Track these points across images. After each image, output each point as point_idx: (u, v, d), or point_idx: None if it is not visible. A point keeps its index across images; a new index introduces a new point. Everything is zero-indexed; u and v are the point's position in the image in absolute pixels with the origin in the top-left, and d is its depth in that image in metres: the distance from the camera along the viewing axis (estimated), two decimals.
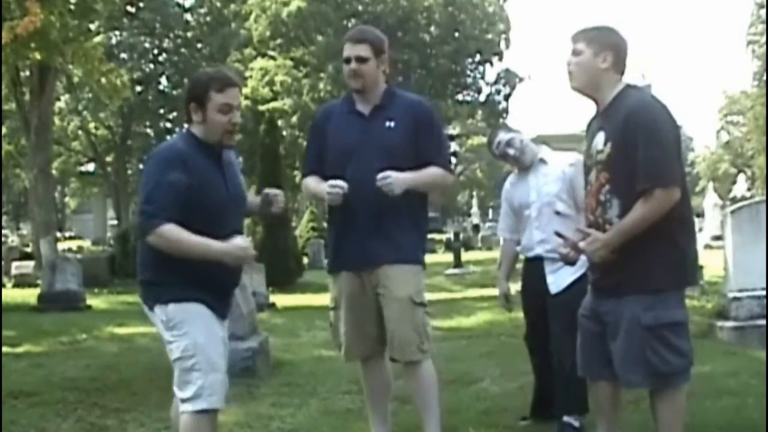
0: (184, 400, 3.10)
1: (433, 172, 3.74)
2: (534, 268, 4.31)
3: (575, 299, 4.05)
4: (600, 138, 3.21)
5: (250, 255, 3.10)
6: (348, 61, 3.73)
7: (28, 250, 21.45)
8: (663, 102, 3.22)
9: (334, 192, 3.64)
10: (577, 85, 3.28)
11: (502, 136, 4.36)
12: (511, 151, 4.31)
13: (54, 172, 26.71)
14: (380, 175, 3.58)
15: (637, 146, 3.06)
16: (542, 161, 4.31)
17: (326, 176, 3.76)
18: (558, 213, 4.19)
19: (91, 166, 39.27)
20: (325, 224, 27.27)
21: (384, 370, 3.95)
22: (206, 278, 3.13)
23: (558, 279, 4.20)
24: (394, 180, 3.58)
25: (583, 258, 4.09)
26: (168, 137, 35.55)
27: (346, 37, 3.81)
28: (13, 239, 31.65)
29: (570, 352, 3.99)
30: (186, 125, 3.29)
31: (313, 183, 3.85)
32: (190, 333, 3.09)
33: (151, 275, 3.17)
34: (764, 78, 35.80)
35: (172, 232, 2.99)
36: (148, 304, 3.22)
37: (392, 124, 3.72)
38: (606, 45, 3.22)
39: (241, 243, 3.07)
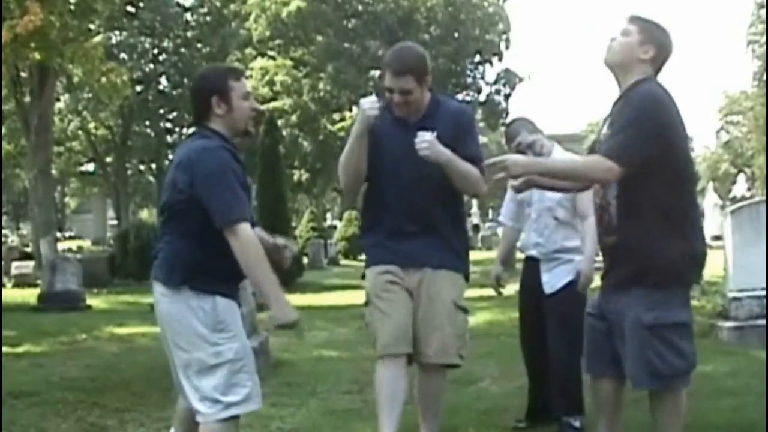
0: (231, 404, 3.00)
1: (471, 167, 3.62)
2: (530, 268, 4.32)
3: (569, 300, 4.07)
4: (608, 122, 3.26)
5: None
6: (391, 91, 3.59)
7: (28, 250, 21.42)
8: (670, 97, 3.19)
9: (375, 108, 3.55)
10: (610, 60, 3.28)
11: (525, 136, 4.20)
12: (530, 155, 4.14)
13: (54, 172, 26.69)
14: (418, 140, 3.49)
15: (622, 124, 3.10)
16: None
17: (368, 181, 3.75)
18: (557, 219, 4.18)
19: (91, 166, 39.27)
20: (325, 224, 27.27)
21: (404, 375, 3.71)
22: (234, 272, 3.08)
23: (553, 279, 4.20)
24: (431, 145, 3.49)
25: (578, 259, 4.10)
26: (168, 137, 35.75)
27: (387, 62, 3.60)
28: (13, 239, 31.62)
29: (564, 353, 4.00)
30: (191, 126, 3.28)
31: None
32: (239, 335, 3.05)
33: (202, 259, 3.02)
34: (764, 78, 35.78)
35: (252, 235, 2.98)
36: (191, 284, 3.00)
37: (434, 134, 3.60)
38: (654, 39, 3.24)
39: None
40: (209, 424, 3.01)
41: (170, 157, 36.01)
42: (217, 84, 3.12)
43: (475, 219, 39.14)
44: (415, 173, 3.60)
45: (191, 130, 3.32)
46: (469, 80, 34.64)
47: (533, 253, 4.29)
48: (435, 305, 3.61)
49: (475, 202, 43.54)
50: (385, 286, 3.66)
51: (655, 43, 3.24)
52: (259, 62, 30.69)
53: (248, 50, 31.97)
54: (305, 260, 19.42)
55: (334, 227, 28.50)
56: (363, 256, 4.02)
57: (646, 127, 3.07)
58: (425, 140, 3.50)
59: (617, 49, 3.26)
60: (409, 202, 3.62)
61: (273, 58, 31.26)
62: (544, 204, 4.20)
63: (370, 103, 3.60)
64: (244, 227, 2.94)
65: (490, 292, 4.33)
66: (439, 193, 3.65)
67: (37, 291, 12.72)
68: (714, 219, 23.08)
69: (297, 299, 13.17)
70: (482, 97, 34.60)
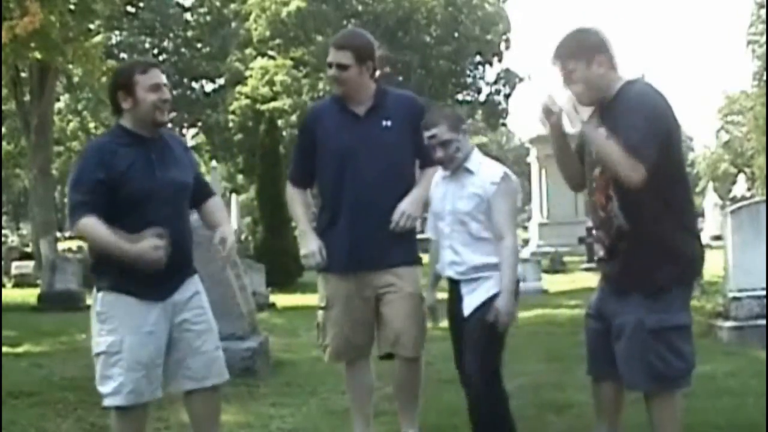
0: (105, 395, 3.19)
1: (431, 174, 3.74)
2: (452, 290, 3.78)
3: (482, 322, 3.53)
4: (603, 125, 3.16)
5: (159, 257, 3.07)
6: (330, 66, 3.73)
7: (28, 250, 21.45)
8: (661, 93, 3.16)
9: (314, 260, 3.72)
10: (588, 103, 3.23)
11: (443, 132, 3.51)
12: (439, 153, 3.55)
13: (54, 172, 26.69)
14: (394, 218, 3.62)
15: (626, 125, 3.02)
16: (467, 170, 3.57)
17: (321, 178, 3.79)
18: (471, 234, 3.56)
19: None
20: None
21: (369, 372, 3.95)
22: (129, 269, 3.15)
23: (471, 300, 3.62)
24: (407, 210, 3.64)
25: (497, 275, 3.51)
26: None
27: (331, 40, 3.80)
28: (13, 239, 31.66)
29: (476, 378, 3.57)
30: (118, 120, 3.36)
31: (299, 210, 3.87)
32: (118, 330, 3.15)
33: (93, 260, 3.32)
34: (764, 78, 35.78)
35: (88, 227, 3.10)
36: (96, 287, 3.31)
37: (389, 123, 3.71)
38: (592, 50, 3.16)
39: (152, 243, 3.06)
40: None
41: None
42: (122, 80, 3.27)
43: None
44: (371, 164, 3.65)
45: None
46: (469, 80, 34.61)
47: (449, 273, 3.67)
48: (404, 301, 3.72)
49: None
50: (342, 296, 3.75)
51: (595, 51, 3.15)
52: (259, 62, 30.66)
53: (248, 50, 31.94)
54: None
55: None
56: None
57: (655, 121, 3.03)
58: (402, 216, 3.64)
59: (582, 91, 3.17)
60: (366, 194, 3.64)
61: (273, 58, 31.23)
62: (456, 216, 3.58)
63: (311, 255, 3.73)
64: (84, 223, 3.10)
65: None
66: (395, 182, 3.69)
67: (37, 291, 12.73)
68: (714, 219, 23.12)
69: (297, 299, 13.17)
70: (482, 97, 34.57)
